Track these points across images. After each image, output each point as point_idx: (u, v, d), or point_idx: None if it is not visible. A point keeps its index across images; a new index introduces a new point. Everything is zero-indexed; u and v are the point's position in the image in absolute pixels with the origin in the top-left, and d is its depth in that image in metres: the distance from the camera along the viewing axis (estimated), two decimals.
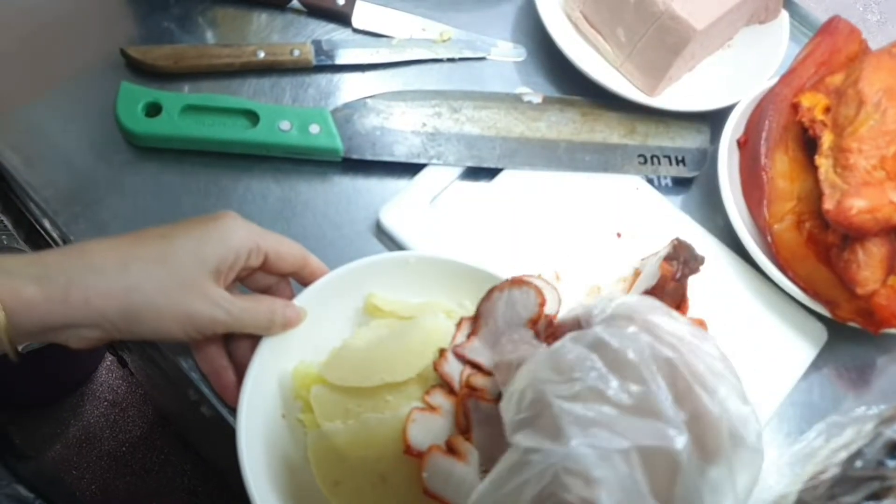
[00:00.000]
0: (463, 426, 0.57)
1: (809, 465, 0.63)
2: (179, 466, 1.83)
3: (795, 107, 0.80)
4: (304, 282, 0.67)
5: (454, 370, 0.60)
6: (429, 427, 0.57)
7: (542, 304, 0.63)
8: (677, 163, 0.86)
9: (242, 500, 0.58)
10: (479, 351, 0.61)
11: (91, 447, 1.84)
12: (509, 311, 0.63)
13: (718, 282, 0.80)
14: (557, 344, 0.48)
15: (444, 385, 0.60)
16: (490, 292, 0.65)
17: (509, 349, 0.57)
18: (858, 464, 0.56)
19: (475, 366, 0.61)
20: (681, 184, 0.87)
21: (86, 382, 1.91)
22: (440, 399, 0.59)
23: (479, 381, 0.59)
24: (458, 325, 0.64)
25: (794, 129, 0.80)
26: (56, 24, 0.85)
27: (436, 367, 0.60)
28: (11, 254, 0.55)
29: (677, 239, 0.73)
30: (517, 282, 0.64)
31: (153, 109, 0.77)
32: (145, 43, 0.84)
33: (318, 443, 0.60)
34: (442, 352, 0.62)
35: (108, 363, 1.93)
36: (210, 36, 0.87)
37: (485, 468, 0.54)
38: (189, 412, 1.04)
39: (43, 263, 0.55)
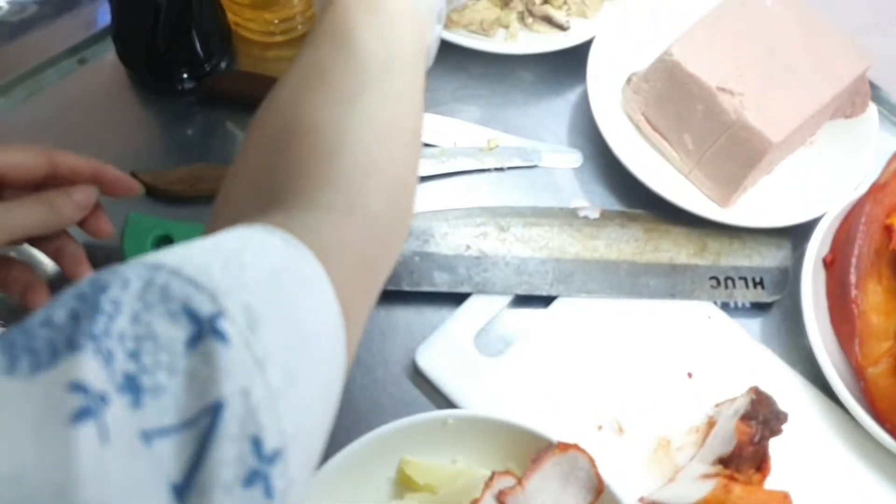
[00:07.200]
0: None
1: None
2: None
3: (889, 230, 0.70)
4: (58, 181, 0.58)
5: None
6: None
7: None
8: (755, 285, 0.76)
9: None
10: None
11: None
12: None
13: (805, 429, 0.69)
14: None
15: None
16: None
17: None
18: None
19: None
20: (759, 307, 0.77)
21: None
22: None
23: None
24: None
25: (888, 256, 0.70)
26: (69, 137, 0.79)
27: None
28: None
29: (756, 390, 0.64)
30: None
31: (164, 243, 0.70)
32: (163, 159, 0.78)
33: None
34: None
35: None
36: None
37: None
38: None
39: None
